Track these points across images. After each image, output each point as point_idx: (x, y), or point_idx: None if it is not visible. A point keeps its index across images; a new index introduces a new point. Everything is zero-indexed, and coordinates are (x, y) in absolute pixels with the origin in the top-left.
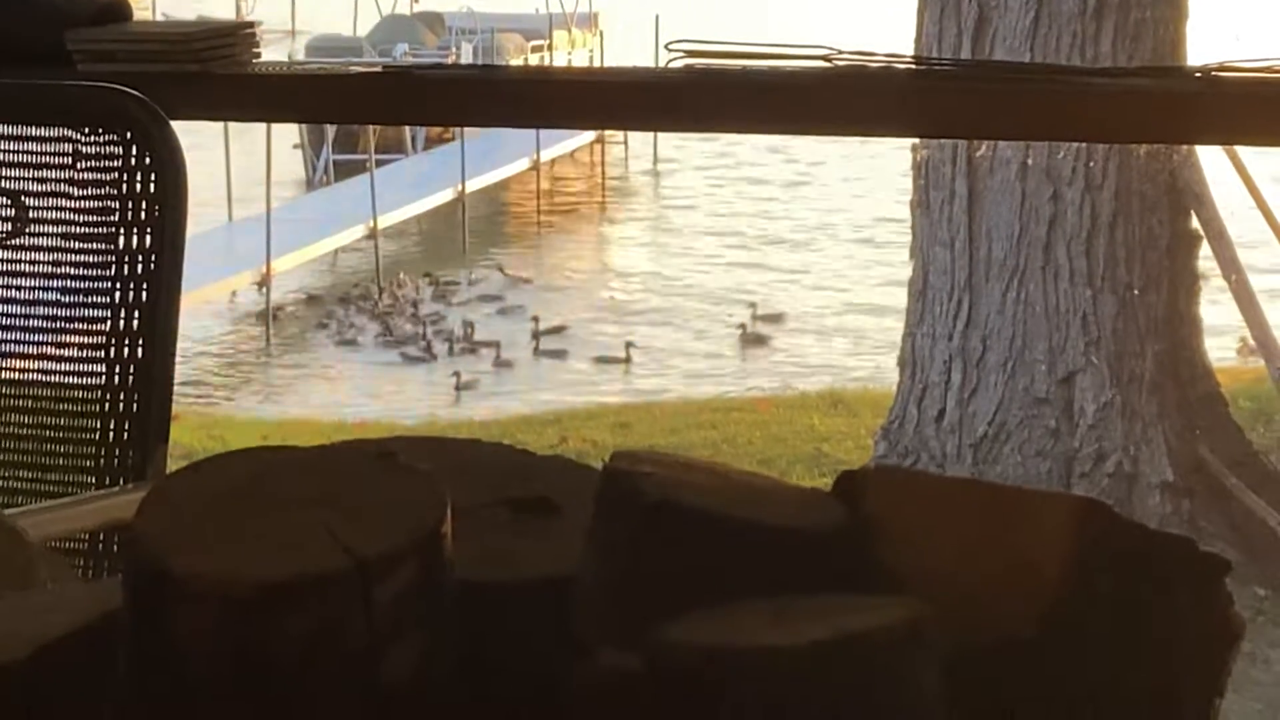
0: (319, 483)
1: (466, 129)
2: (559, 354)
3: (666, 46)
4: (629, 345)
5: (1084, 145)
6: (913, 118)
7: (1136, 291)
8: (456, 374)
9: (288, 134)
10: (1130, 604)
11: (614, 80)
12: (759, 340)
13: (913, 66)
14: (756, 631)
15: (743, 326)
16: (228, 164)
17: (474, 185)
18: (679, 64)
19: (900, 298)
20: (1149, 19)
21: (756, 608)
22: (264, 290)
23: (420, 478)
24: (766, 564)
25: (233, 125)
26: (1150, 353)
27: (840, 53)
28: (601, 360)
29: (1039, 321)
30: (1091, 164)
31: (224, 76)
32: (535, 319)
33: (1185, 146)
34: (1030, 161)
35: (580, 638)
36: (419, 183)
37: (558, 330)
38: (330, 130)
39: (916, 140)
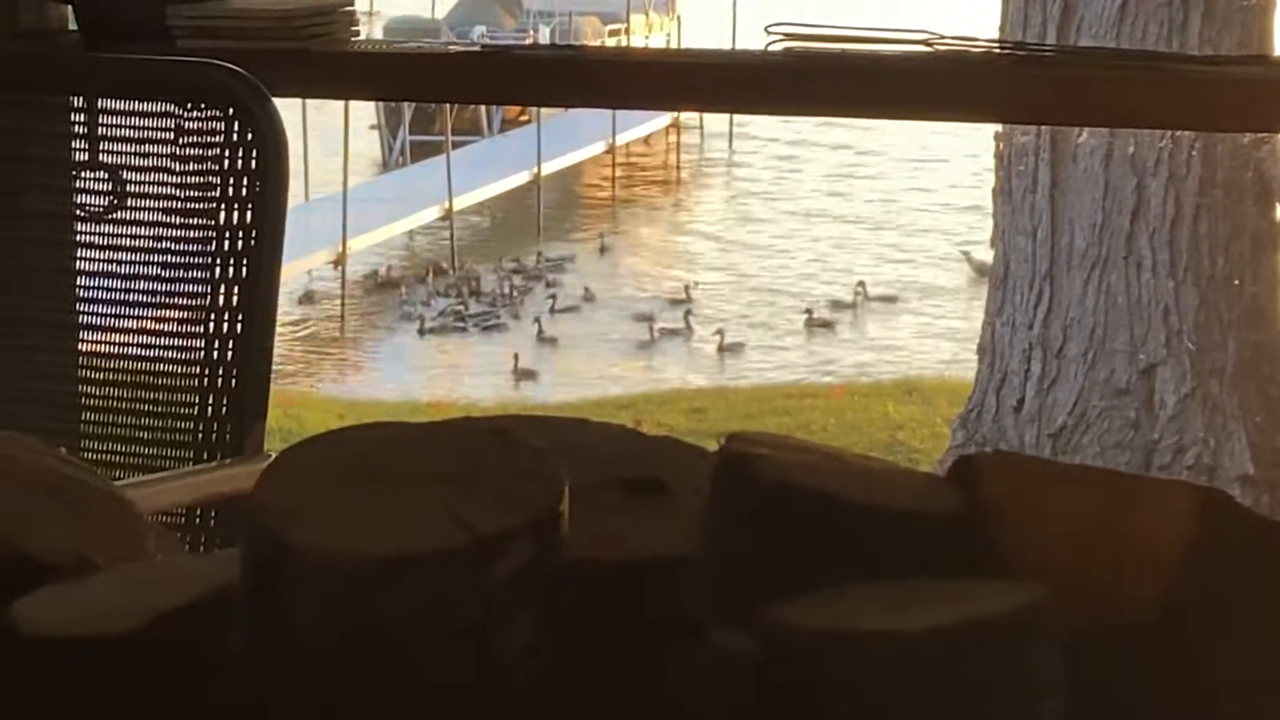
0: (436, 459)
1: (544, 111)
2: (632, 336)
3: (766, 29)
4: (720, 334)
5: (1168, 135)
6: (1014, 104)
7: (1237, 282)
8: (515, 356)
9: (365, 114)
10: (1248, 593)
11: (720, 63)
12: (826, 325)
13: (1014, 52)
14: (873, 616)
15: (809, 312)
16: (305, 143)
17: (550, 168)
18: (778, 47)
19: (970, 284)
20: (1237, 8)
21: (873, 592)
22: (340, 269)
23: (536, 455)
24: (883, 549)
25: (310, 104)
26: (1232, 345)
27: (941, 37)
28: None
29: (1120, 312)
30: (1191, 153)
31: (323, 54)
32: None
33: (1270, 139)
34: (1126, 150)
35: (692, 618)
36: (495, 164)
37: (632, 314)
38: (407, 111)
39: (1000, 127)
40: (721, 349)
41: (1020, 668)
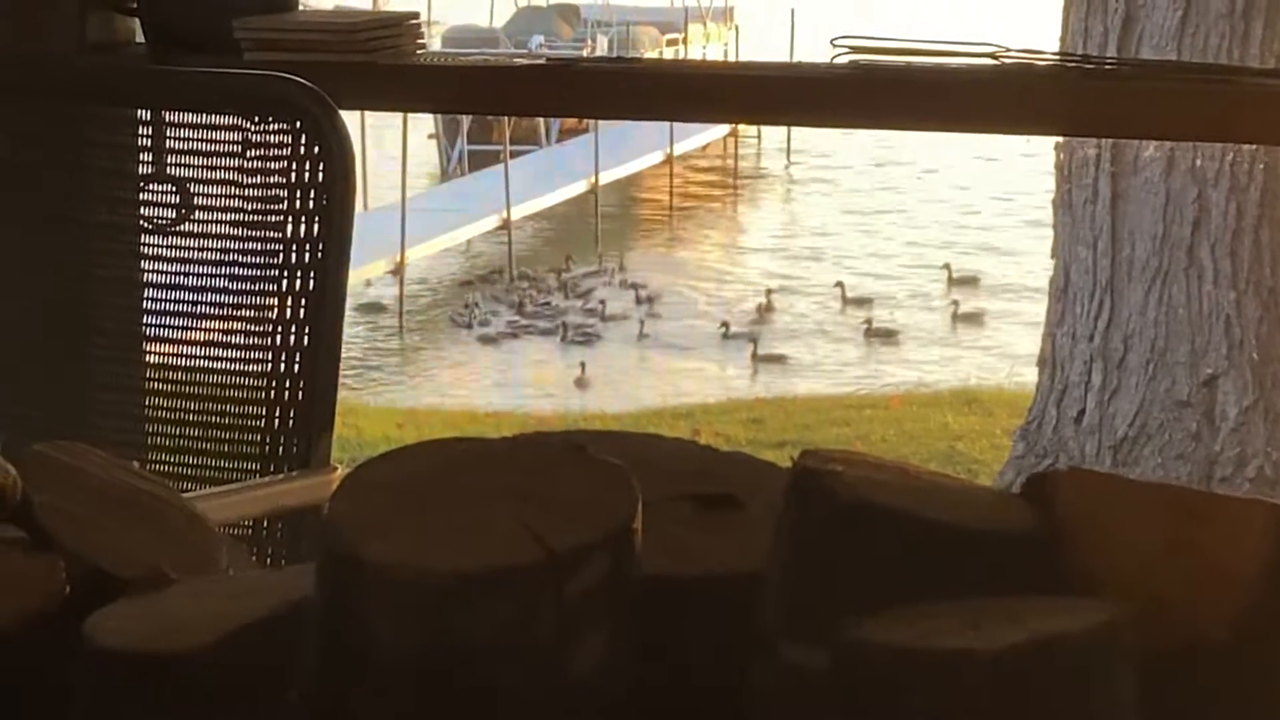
0: (511, 474)
1: (602, 121)
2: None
3: (832, 42)
4: (753, 342)
5: (1233, 146)
6: (1082, 117)
7: None
8: (582, 364)
9: (423, 124)
10: None
11: (787, 76)
12: (887, 335)
13: (1082, 65)
14: (950, 634)
15: (868, 322)
16: (363, 153)
17: (607, 177)
18: (844, 59)
19: (1027, 297)
20: None
21: (950, 610)
22: (398, 279)
23: (611, 471)
24: (958, 566)
25: (368, 114)
26: None
27: (1007, 50)
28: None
29: (1181, 324)
30: (1254, 164)
31: (390, 67)
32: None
33: None
34: (1187, 161)
35: (767, 635)
36: (552, 174)
37: (690, 322)
38: (465, 121)
39: (1060, 139)
40: (756, 357)
41: (1097, 686)
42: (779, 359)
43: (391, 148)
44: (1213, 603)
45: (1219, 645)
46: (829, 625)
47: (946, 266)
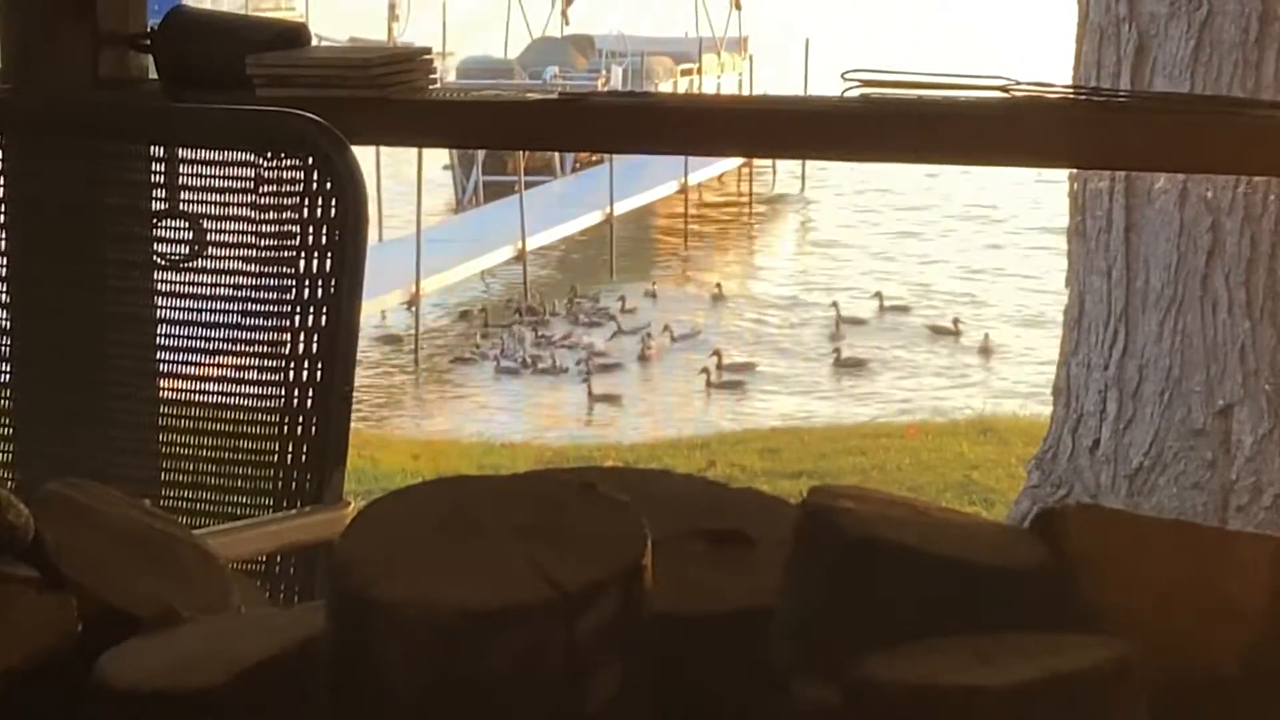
0: (521, 512)
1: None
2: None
3: (842, 76)
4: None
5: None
6: (1092, 150)
7: None
8: (589, 391)
9: (437, 155)
10: None
11: (797, 110)
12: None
13: (1091, 98)
14: (959, 670)
15: (836, 351)
16: (378, 185)
17: (622, 208)
18: (854, 93)
19: (1036, 329)
20: None
21: (960, 646)
22: (413, 310)
23: (621, 508)
24: (967, 602)
25: (383, 146)
26: None
27: (1018, 83)
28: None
29: (1196, 353)
30: (1268, 193)
31: (402, 102)
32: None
33: None
34: (1201, 191)
35: (778, 671)
36: (567, 205)
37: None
38: (480, 152)
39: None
40: (710, 382)
41: None
42: (737, 385)
43: (407, 178)
44: (1223, 638)
45: (1229, 681)
46: (840, 662)
47: (878, 295)
